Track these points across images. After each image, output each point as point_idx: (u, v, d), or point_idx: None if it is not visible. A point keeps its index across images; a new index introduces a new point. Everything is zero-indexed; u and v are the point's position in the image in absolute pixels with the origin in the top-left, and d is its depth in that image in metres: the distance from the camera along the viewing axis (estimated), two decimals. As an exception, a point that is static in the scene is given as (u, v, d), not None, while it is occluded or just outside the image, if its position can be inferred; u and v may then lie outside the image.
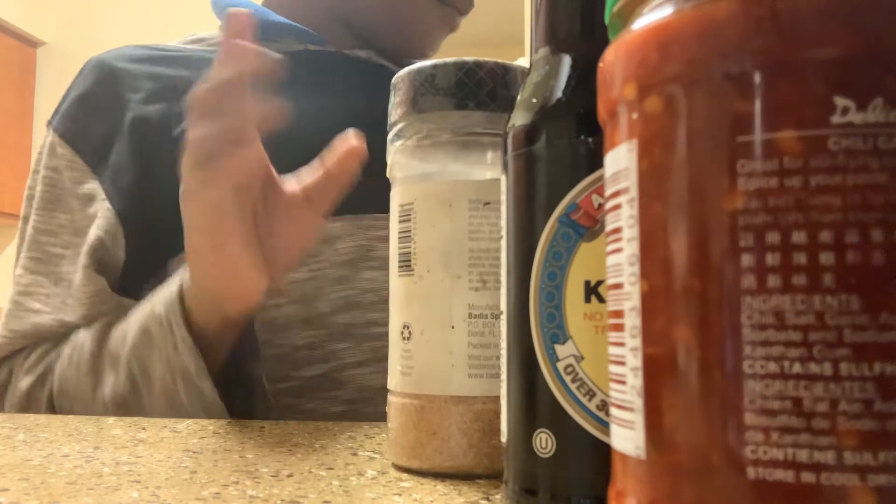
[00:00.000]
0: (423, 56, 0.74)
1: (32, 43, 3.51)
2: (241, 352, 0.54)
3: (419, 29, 0.73)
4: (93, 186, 0.63)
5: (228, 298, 0.48)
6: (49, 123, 0.66)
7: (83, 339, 0.57)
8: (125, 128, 0.63)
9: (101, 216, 0.61)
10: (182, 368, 0.50)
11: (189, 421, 0.50)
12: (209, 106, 0.44)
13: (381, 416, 0.57)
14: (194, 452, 0.39)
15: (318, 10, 0.73)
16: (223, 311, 0.50)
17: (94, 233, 0.61)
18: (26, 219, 0.65)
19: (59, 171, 0.64)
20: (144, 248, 0.62)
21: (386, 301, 0.57)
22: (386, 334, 0.58)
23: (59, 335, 0.61)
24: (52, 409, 0.57)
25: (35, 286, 0.62)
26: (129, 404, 0.53)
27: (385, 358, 0.57)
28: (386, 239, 0.60)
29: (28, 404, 0.58)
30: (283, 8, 0.74)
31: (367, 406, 0.58)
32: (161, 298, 0.52)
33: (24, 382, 0.58)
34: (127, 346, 0.53)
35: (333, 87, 0.68)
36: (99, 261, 0.61)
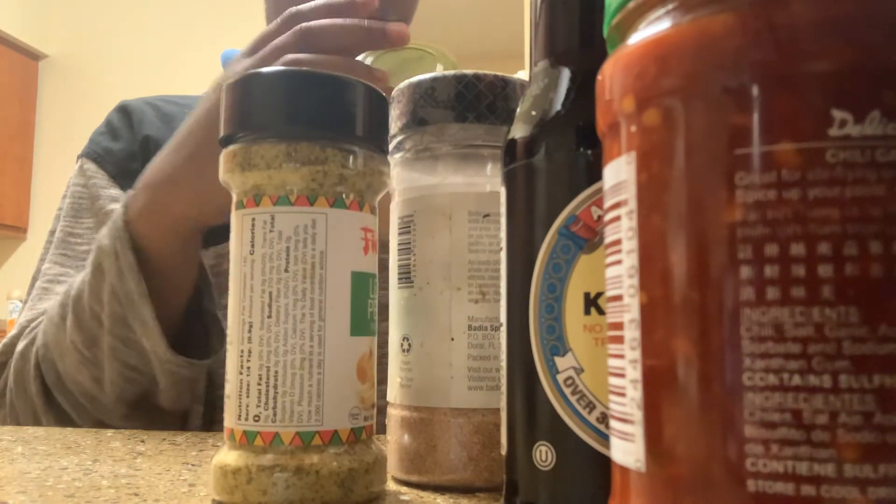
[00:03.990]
0: None
1: (34, 56, 3.52)
2: (197, 289, 0.58)
3: None
4: (116, 192, 0.69)
5: (195, 216, 0.53)
6: (78, 157, 0.74)
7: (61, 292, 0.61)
8: (138, 148, 0.72)
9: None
10: (126, 293, 0.52)
11: (188, 433, 0.50)
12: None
13: None
14: (193, 465, 0.39)
15: None
16: (184, 230, 0.53)
17: None
18: (53, 232, 0.71)
19: (87, 185, 0.71)
20: None
21: None
22: None
23: None
24: (39, 367, 0.60)
25: (63, 276, 0.68)
26: (89, 345, 0.56)
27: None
28: None
29: (22, 366, 0.61)
30: None
31: None
32: (106, 231, 0.55)
33: (21, 345, 0.63)
34: (85, 284, 0.56)
35: None
36: None
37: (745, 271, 0.15)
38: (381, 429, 0.38)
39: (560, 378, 0.25)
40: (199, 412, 0.61)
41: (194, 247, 0.56)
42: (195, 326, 0.58)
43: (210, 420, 0.62)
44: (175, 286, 0.55)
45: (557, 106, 0.27)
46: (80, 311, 0.55)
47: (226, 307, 0.62)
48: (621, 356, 0.18)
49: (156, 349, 0.53)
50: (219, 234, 0.64)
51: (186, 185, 0.52)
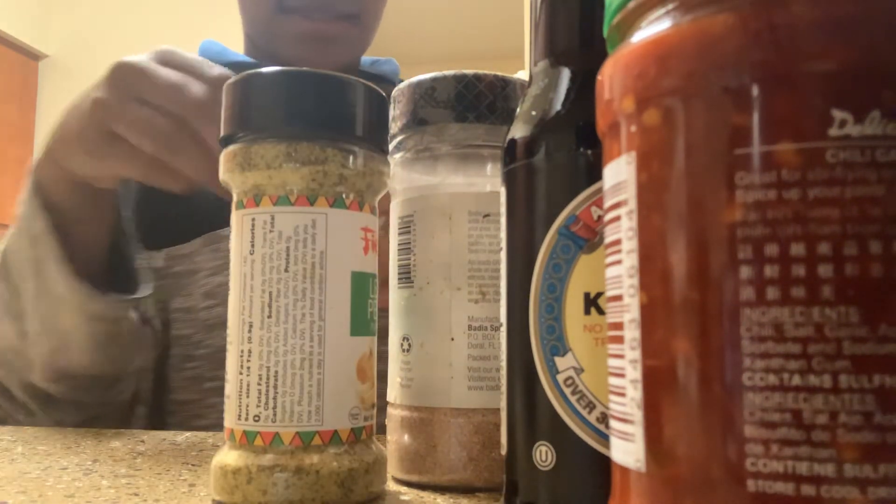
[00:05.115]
0: (354, 70, 0.76)
1: (34, 56, 3.52)
2: (116, 232, 0.58)
3: (294, 48, 0.71)
4: None
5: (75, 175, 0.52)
6: None
7: None
8: None
9: None
10: (36, 233, 0.52)
11: (188, 434, 0.50)
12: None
13: None
14: (193, 465, 0.39)
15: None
16: (74, 183, 0.53)
17: None
18: None
19: None
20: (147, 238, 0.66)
21: None
22: None
23: None
24: None
25: None
26: (14, 312, 0.55)
27: None
28: None
29: None
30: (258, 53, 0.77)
31: None
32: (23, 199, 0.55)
33: None
34: (11, 235, 0.55)
35: None
36: None
37: (745, 271, 0.15)
38: (381, 429, 0.38)
39: (560, 378, 0.25)
40: (142, 413, 0.60)
41: (95, 199, 0.55)
42: (118, 274, 0.58)
43: (159, 423, 0.61)
44: (87, 233, 0.55)
45: (557, 106, 0.27)
46: (5, 260, 0.56)
47: (179, 309, 0.62)
48: (621, 356, 0.18)
49: (70, 286, 0.52)
50: (171, 235, 0.64)
51: (64, 145, 0.52)
